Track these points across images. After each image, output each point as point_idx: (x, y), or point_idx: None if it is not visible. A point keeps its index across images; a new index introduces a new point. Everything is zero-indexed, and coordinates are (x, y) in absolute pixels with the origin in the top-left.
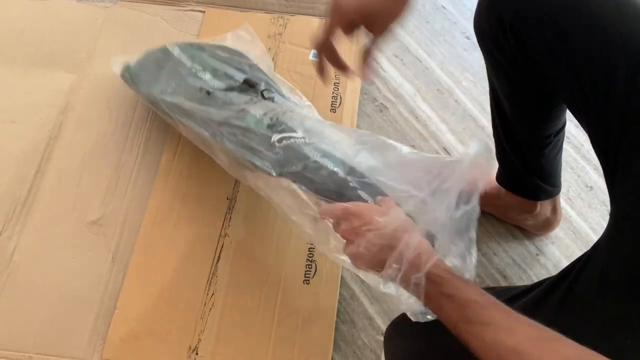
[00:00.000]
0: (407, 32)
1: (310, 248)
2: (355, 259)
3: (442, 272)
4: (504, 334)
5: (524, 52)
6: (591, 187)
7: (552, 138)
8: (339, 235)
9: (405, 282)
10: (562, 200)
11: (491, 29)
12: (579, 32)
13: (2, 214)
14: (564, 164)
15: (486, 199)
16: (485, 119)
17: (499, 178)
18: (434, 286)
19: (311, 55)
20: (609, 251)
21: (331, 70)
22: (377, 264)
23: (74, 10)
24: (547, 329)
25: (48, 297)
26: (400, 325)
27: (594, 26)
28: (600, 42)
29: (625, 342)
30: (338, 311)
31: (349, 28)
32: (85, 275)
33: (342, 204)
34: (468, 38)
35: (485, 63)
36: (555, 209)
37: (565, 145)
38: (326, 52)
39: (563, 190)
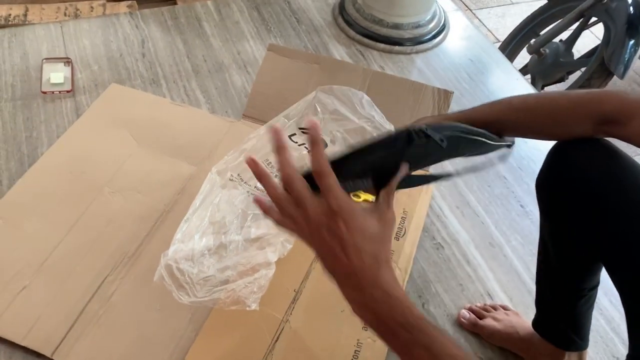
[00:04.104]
0: (470, 191)
1: (358, 346)
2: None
3: (416, 321)
4: None
5: (573, 212)
6: (618, 358)
7: (587, 292)
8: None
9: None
10: None
11: (550, 186)
12: (619, 210)
13: (112, 261)
14: (595, 333)
15: (521, 343)
16: (527, 276)
17: (534, 324)
18: (407, 334)
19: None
20: None
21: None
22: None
23: (206, 119)
24: None
25: (129, 335)
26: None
27: (632, 207)
28: (633, 222)
29: None
30: None
31: None
32: (165, 326)
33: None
34: (522, 206)
35: (540, 215)
36: None
37: (598, 316)
38: None
39: (592, 355)
